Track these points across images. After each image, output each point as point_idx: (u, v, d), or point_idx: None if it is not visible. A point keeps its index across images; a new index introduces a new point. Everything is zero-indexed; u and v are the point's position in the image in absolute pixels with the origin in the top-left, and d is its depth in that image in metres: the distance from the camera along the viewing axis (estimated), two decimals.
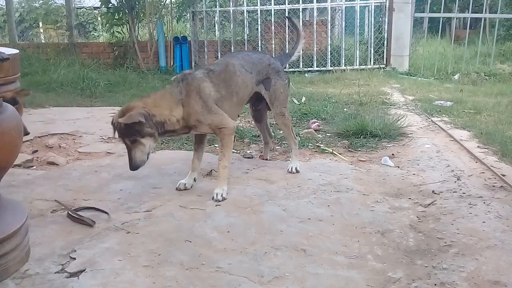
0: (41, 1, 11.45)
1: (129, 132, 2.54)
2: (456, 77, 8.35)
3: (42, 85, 6.50)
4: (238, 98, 2.95)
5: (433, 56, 9.41)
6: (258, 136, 3.98)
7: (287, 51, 3.59)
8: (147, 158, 2.63)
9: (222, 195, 2.67)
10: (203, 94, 2.74)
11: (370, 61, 8.93)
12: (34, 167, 3.32)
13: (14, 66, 1.88)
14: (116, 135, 2.62)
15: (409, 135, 4.07)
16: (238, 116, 3.18)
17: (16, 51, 1.95)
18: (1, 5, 10.93)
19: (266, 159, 3.49)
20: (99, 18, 12.14)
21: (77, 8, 11.56)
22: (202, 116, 2.73)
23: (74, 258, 2.01)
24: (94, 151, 3.70)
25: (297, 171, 3.15)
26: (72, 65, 7.68)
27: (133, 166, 2.57)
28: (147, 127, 2.56)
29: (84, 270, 1.91)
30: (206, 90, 2.76)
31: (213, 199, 2.65)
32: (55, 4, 11.19)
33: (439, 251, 2.07)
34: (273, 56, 4.44)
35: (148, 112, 2.58)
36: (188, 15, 9.70)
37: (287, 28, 8.86)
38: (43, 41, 11.18)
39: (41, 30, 12.07)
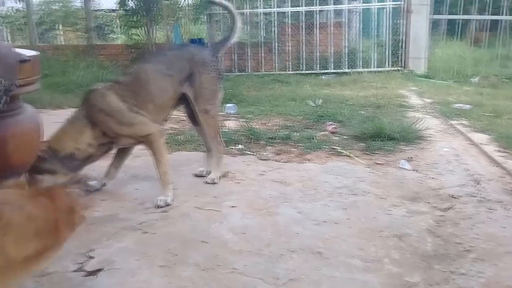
0: (61, 4, 11.63)
1: (30, 168, 2.36)
2: (475, 79, 8.23)
3: (61, 86, 6.59)
4: (155, 105, 2.74)
5: (452, 59, 9.29)
6: (274, 138, 3.98)
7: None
8: None
9: (166, 202, 2.57)
10: (109, 109, 2.60)
11: (388, 63, 8.86)
12: None
13: (34, 68, 1.91)
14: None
15: (427, 139, 4.02)
16: (166, 120, 2.97)
17: (36, 53, 1.98)
18: (22, 7, 11.11)
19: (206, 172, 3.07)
20: (117, 21, 12.28)
21: (96, 10, 11.68)
22: (117, 130, 2.62)
23: (92, 257, 2.03)
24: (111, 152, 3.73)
25: (214, 183, 2.89)
26: (91, 66, 7.79)
27: None
28: (47, 165, 2.46)
29: (102, 269, 1.93)
30: (113, 104, 2.61)
31: (156, 206, 2.55)
32: (74, 7, 11.36)
33: (457, 256, 2.04)
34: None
35: (50, 148, 2.50)
36: (205, 17, 9.75)
37: (303, 30, 8.84)
38: (62, 43, 11.36)
39: (61, 32, 12.26)
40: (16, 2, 11.34)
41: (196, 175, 3.08)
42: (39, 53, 2.00)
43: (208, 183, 2.93)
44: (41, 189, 1.52)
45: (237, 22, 3.10)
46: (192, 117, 3.03)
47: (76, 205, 1.52)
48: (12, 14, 11.94)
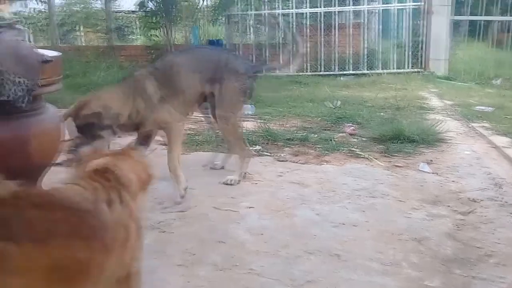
0: (82, 5, 11.79)
1: (88, 126, 2.51)
2: (497, 81, 8.07)
3: (82, 87, 6.67)
4: (183, 98, 2.88)
5: (473, 60, 9.13)
6: (291, 140, 3.96)
7: (280, 62, 3.36)
8: None
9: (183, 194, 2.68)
10: (145, 92, 2.75)
11: (407, 64, 8.74)
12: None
13: (56, 68, 1.94)
14: (72, 132, 2.53)
15: (447, 141, 3.96)
16: (188, 115, 3.13)
17: (58, 53, 2.01)
18: (44, 9, 11.30)
19: (222, 168, 3.25)
20: (136, 22, 12.39)
21: (116, 11, 11.81)
22: (146, 112, 2.73)
23: None
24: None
25: (231, 184, 2.94)
26: (111, 67, 7.88)
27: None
28: (106, 119, 2.55)
29: None
30: (150, 88, 2.76)
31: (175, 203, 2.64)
32: (94, 8, 11.50)
33: (478, 260, 2.00)
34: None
35: (105, 104, 2.59)
36: (223, 19, 9.77)
37: (321, 31, 8.80)
38: (83, 44, 11.52)
39: (82, 33, 12.43)
40: (38, 4, 11.54)
41: (211, 168, 3.27)
42: (60, 54, 2.03)
43: (226, 184, 2.94)
44: (125, 151, 1.49)
45: (299, 58, 3.33)
46: (213, 113, 3.10)
47: (148, 165, 1.52)
48: (34, 15, 12.15)
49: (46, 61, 1.82)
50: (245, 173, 3.10)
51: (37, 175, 1.99)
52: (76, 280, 1.13)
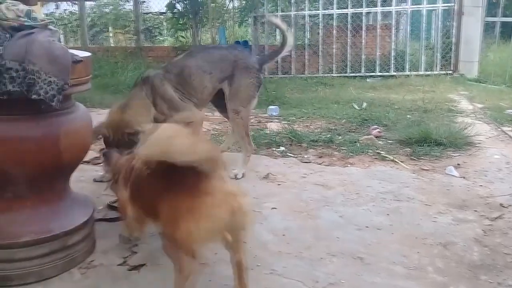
0: (111, 7, 12.02)
1: (129, 141, 2.56)
2: None
3: (110, 87, 6.81)
4: (196, 98, 2.98)
5: (505, 62, 8.88)
6: (316, 141, 3.95)
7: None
8: None
9: None
10: (166, 94, 2.83)
11: (437, 66, 8.58)
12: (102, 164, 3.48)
13: (86, 68, 1.99)
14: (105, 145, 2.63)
15: (476, 145, 3.87)
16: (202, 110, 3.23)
17: (88, 54, 2.06)
18: (75, 10, 11.57)
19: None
20: (164, 23, 12.56)
21: (144, 13, 12.01)
22: (168, 114, 2.81)
23: (136, 252, 2.10)
24: None
25: (236, 178, 3.02)
26: (138, 68, 7.99)
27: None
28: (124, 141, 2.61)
29: (145, 264, 1.99)
30: (168, 92, 2.85)
31: None
32: (124, 10, 11.71)
33: (505, 267, 1.96)
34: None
35: (138, 119, 2.66)
36: (250, 20, 9.81)
37: (349, 32, 8.73)
38: (112, 45, 11.74)
39: (111, 34, 12.68)
40: (70, 5, 11.84)
41: None
42: (90, 54, 2.08)
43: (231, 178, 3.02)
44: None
45: (287, 40, 3.29)
46: (225, 112, 3.25)
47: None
48: (66, 16, 12.46)
49: (77, 61, 1.86)
50: (268, 173, 3.13)
51: (67, 172, 2.04)
52: None
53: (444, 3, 8.47)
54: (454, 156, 3.61)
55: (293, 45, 3.50)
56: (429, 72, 8.46)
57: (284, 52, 3.35)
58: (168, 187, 1.54)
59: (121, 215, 1.88)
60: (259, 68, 3.21)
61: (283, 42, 3.34)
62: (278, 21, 3.71)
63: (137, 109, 2.75)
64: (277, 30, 9.65)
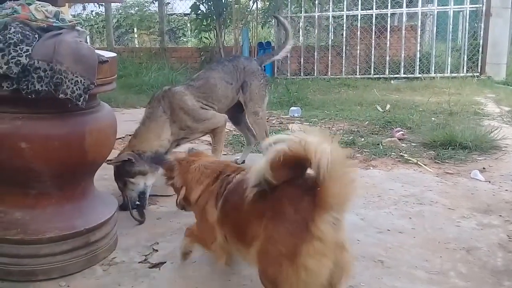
0: (137, 8, 12.19)
1: (120, 174, 2.61)
2: None
3: (134, 87, 6.92)
4: (218, 108, 3.05)
5: None
6: (338, 143, 3.91)
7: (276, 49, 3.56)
8: (141, 198, 2.62)
9: None
10: (187, 107, 2.83)
11: (463, 68, 8.41)
12: None
13: (112, 68, 2.03)
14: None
15: (503, 149, 3.78)
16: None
17: (114, 54, 2.10)
18: (101, 11, 11.78)
19: (243, 162, 3.40)
20: (188, 24, 12.66)
21: (169, 14, 12.13)
22: (193, 126, 2.86)
23: (156, 250, 2.12)
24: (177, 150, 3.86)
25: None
26: (162, 68, 8.09)
27: (121, 206, 2.46)
28: (136, 166, 2.60)
29: (165, 262, 2.01)
30: (189, 102, 2.86)
31: None
32: (149, 11, 11.86)
33: None
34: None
35: (137, 150, 2.64)
36: (273, 21, 9.80)
37: (374, 33, 8.64)
38: (137, 46, 11.91)
39: (136, 35, 12.87)
40: (96, 6, 12.05)
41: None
42: (116, 55, 2.12)
43: (237, 163, 3.15)
44: None
45: (289, 41, 3.55)
46: (234, 118, 3.42)
47: None
48: (92, 17, 12.70)
49: (103, 61, 1.90)
50: None
51: (91, 170, 2.08)
52: None
53: (471, 4, 8.30)
54: (480, 159, 3.54)
55: (290, 49, 3.73)
56: (455, 74, 8.30)
57: (281, 55, 3.58)
58: (273, 216, 1.41)
59: (199, 238, 1.87)
60: (262, 68, 3.40)
61: (284, 43, 3.58)
62: (285, 22, 3.94)
63: (149, 135, 2.73)
64: (301, 31, 9.64)
